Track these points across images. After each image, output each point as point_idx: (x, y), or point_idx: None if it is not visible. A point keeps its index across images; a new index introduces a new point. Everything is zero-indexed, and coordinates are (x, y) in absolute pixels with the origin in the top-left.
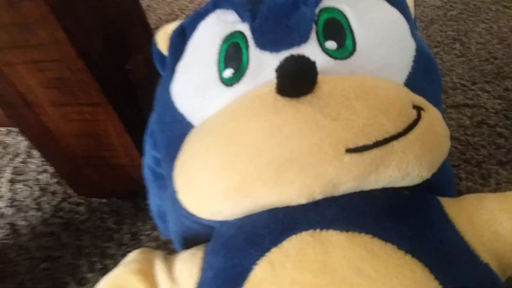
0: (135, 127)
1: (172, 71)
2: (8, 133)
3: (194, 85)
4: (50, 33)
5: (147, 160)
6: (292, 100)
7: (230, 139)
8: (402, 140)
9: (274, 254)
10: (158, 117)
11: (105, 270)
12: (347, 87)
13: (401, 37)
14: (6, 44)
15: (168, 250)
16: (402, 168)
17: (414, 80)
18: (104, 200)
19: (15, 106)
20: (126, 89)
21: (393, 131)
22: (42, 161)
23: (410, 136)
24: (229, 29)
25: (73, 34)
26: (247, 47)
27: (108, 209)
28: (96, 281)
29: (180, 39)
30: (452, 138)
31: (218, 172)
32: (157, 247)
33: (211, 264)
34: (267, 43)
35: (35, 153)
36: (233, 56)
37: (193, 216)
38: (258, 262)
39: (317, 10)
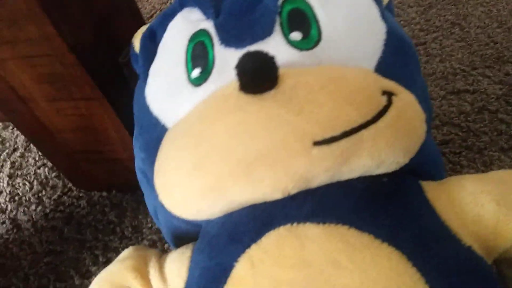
0: (132, 120)
1: (145, 74)
2: (5, 127)
3: (165, 88)
4: (39, 28)
5: (137, 162)
6: (255, 97)
7: (199, 141)
8: (372, 128)
9: (254, 251)
10: (136, 120)
11: (108, 263)
12: (311, 79)
13: (369, 21)
14: None
15: (168, 244)
16: (375, 156)
17: (385, 65)
18: (104, 194)
19: (8, 102)
20: (121, 82)
21: (360, 120)
22: (40, 155)
23: (381, 123)
24: (195, 28)
25: (63, 28)
26: (212, 45)
27: (109, 203)
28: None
29: (150, 41)
30: (453, 125)
31: (191, 174)
32: (159, 240)
33: (197, 262)
34: (231, 39)
35: (33, 147)
36: (199, 55)
37: (179, 216)
38: (239, 259)
39: (280, 1)
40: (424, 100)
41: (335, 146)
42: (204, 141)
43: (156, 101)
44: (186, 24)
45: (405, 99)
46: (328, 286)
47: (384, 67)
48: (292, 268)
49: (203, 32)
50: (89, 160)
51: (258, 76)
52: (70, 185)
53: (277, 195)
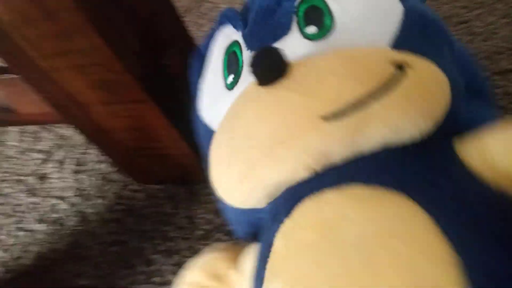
0: (179, 118)
1: (197, 91)
2: (66, 127)
3: (210, 97)
4: (88, 39)
5: None
6: (271, 88)
7: (231, 135)
8: (383, 98)
9: (285, 224)
10: (196, 133)
11: (168, 252)
12: (322, 63)
13: (383, 4)
14: (51, 52)
15: (223, 232)
16: (389, 125)
17: (402, 42)
18: (160, 187)
19: (67, 108)
20: (166, 83)
21: (366, 91)
22: (100, 152)
23: (393, 92)
24: (229, 40)
25: (109, 38)
26: (241, 52)
27: (165, 195)
28: (161, 261)
29: (198, 62)
30: (498, 107)
31: (229, 165)
32: (212, 230)
33: (257, 251)
34: (254, 43)
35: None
36: (232, 63)
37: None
38: (276, 234)
39: (297, 2)
40: (459, 71)
41: (345, 119)
42: (234, 134)
43: (205, 110)
44: (223, 38)
45: (423, 70)
46: (341, 240)
47: (400, 44)
48: (313, 231)
49: (235, 43)
50: (144, 156)
51: (266, 68)
52: (128, 179)
53: (303, 173)
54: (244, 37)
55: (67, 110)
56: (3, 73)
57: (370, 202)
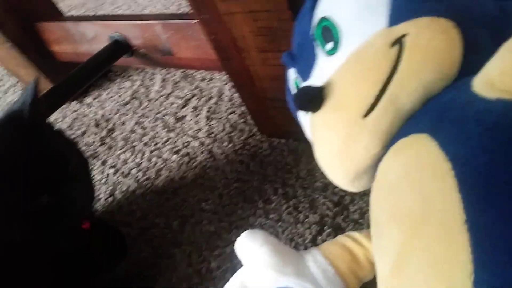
0: None
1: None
2: (202, 79)
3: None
4: None
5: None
6: (320, 112)
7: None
8: (396, 76)
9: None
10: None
11: (286, 195)
12: (338, 79)
13: None
14: None
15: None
16: (415, 89)
17: (397, 15)
18: (283, 140)
19: (226, 51)
20: None
21: (380, 81)
22: (231, 105)
23: (400, 67)
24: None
25: None
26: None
27: (287, 148)
28: (279, 203)
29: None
30: None
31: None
32: (329, 185)
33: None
34: (304, 76)
35: (225, 97)
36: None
37: None
38: None
39: (312, 31)
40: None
41: (377, 110)
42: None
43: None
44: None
45: (420, 31)
46: (388, 182)
47: (396, 18)
48: (378, 179)
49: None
50: (277, 107)
51: (307, 104)
52: (254, 130)
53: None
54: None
55: (225, 54)
56: (172, 19)
57: (404, 151)
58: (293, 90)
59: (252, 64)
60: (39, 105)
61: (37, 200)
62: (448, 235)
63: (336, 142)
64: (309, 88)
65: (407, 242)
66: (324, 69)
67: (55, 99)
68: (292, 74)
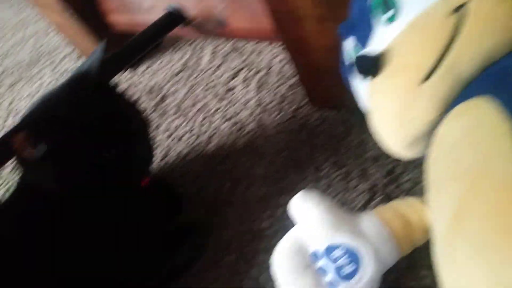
0: None
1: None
2: (251, 53)
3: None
4: None
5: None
6: (379, 78)
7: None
8: (455, 43)
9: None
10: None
11: (336, 164)
12: (398, 45)
13: None
14: None
15: (392, 158)
16: (475, 54)
17: None
18: (334, 112)
19: (284, 20)
20: None
21: (440, 48)
22: (281, 77)
23: (462, 34)
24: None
25: None
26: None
27: (338, 119)
28: (329, 170)
29: None
30: None
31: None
32: (381, 155)
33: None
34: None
35: (275, 70)
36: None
37: None
38: None
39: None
40: None
41: (435, 75)
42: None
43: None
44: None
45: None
46: (446, 142)
47: None
48: (436, 140)
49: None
50: (330, 78)
51: (366, 70)
52: (304, 101)
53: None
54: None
55: (282, 24)
56: None
57: (464, 114)
58: (352, 58)
59: (309, 34)
60: (106, 67)
61: (101, 155)
62: (508, 190)
63: (394, 108)
64: (368, 54)
65: (467, 197)
66: (383, 37)
67: (113, 66)
68: (350, 42)
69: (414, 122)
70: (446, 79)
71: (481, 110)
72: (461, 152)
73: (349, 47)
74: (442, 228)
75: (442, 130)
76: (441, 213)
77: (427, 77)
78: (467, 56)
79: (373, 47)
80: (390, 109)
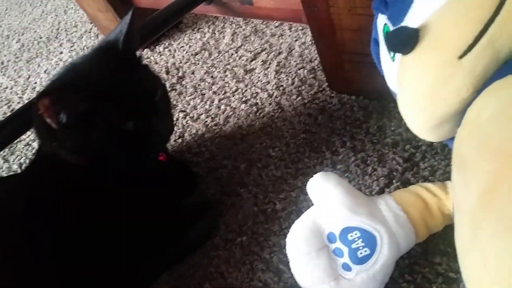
0: None
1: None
2: (272, 35)
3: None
4: None
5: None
6: (413, 54)
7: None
8: (498, 17)
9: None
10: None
11: (354, 149)
12: (437, 19)
13: None
14: None
15: (411, 145)
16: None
17: None
18: (353, 97)
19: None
20: None
21: (482, 22)
22: (301, 60)
23: (506, 8)
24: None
25: None
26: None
27: (357, 105)
28: (346, 155)
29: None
30: None
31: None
32: (401, 141)
33: None
34: (395, 21)
35: (295, 53)
36: None
37: None
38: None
39: None
40: None
41: (475, 49)
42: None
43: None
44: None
45: None
46: (484, 117)
47: None
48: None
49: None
50: (353, 62)
51: (399, 45)
52: (324, 86)
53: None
54: (388, 18)
55: (311, 2)
56: None
57: (500, 91)
58: (382, 36)
59: (338, 13)
60: (133, 36)
61: (124, 125)
62: None
63: (426, 84)
64: (404, 28)
65: (501, 173)
66: (420, 12)
67: (137, 39)
68: (381, 20)
69: (446, 99)
70: (486, 54)
71: None
72: (496, 127)
73: (381, 24)
74: (468, 206)
75: (476, 106)
76: (469, 190)
77: (467, 51)
78: (509, 31)
79: (407, 23)
80: (422, 86)
